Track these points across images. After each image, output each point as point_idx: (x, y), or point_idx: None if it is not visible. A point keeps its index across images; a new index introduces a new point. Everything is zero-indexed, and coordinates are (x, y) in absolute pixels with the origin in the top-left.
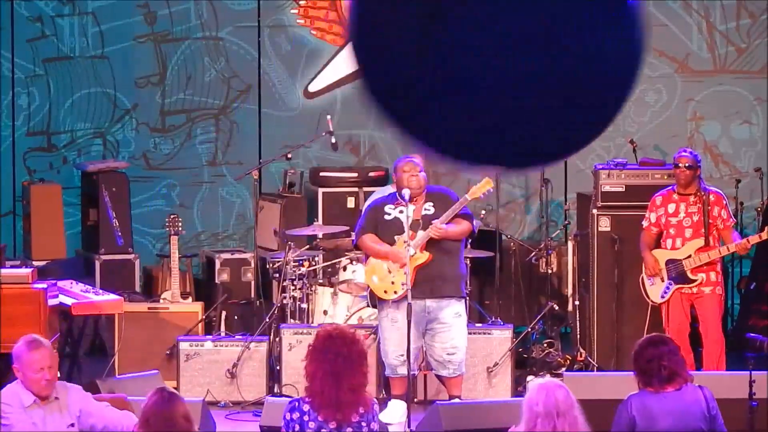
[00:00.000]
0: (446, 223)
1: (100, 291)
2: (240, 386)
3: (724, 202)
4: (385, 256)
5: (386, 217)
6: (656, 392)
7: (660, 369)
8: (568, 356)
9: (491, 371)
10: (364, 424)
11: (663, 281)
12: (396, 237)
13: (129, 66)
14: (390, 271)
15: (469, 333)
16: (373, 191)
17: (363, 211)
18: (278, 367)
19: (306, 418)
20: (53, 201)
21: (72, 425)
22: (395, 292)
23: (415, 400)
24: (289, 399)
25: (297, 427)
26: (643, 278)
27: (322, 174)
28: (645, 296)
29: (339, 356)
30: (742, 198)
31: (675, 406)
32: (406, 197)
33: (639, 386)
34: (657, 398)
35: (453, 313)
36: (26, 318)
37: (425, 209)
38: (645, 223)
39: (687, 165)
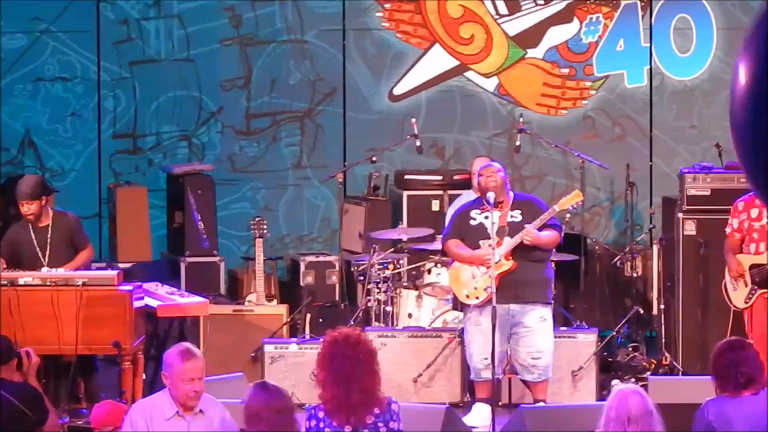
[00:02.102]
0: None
1: (186, 293)
2: None
3: None
4: (469, 260)
5: (472, 222)
6: (732, 397)
7: (737, 375)
8: (653, 360)
9: (576, 375)
10: (381, 424)
11: (746, 286)
12: (481, 242)
13: (214, 69)
14: (473, 276)
15: (554, 337)
16: (458, 194)
17: (449, 216)
18: None
19: (321, 425)
20: (139, 203)
21: None
22: (477, 297)
23: (500, 403)
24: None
25: None
26: (725, 283)
27: (406, 177)
28: (728, 301)
29: (346, 359)
30: None
31: (752, 411)
32: (492, 201)
33: (716, 391)
34: (733, 403)
35: (538, 317)
36: (112, 320)
37: (512, 216)
38: (728, 230)
39: None
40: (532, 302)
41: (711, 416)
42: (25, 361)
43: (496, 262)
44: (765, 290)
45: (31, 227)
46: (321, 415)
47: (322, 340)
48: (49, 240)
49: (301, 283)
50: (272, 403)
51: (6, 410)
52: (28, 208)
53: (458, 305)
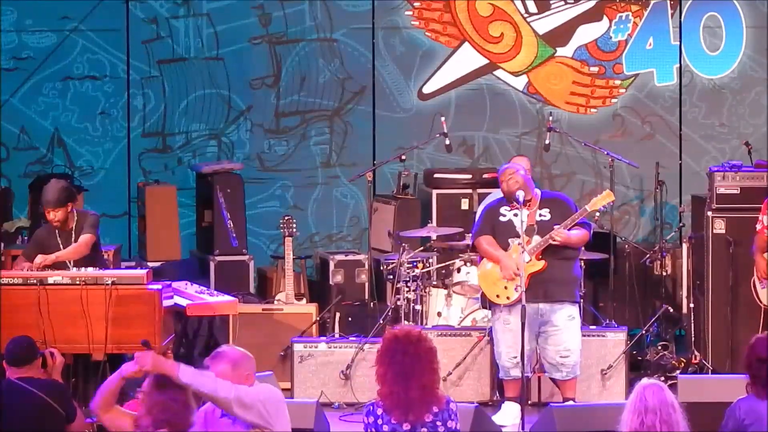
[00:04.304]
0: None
1: (215, 292)
2: (354, 387)
3: None
4: (497, 262)
5: (501, 218)
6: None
7: None
8: (682, 359)
9: (605, 374)
10: (439, 423)
11: None
12: (510, 240)
13: (244, 67)
14: (503, 276)
15: (583, 335)
16: (487, 193)
17: (479, 213)
18: None
19: (380, 421)
20: (168, 202)
21: None
22: (507, 298)
23: (529, 402)
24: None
25: (373, 431)
26: (754, 281)
27: (436, 175)
28: (757, 299)
29: (406, 356)
30: None
31: None
32: (521, 200)
33: (747, 389)
34: (765, 401)
35: (566, 315)
36: (141, 319)
37: (540, 215)
38: (758, 227)
39: None
40: (560, 301)
41: (742, 413)
42: (49, 361)
43: (527, 262)
44: None
45: (57, 231)
46: (379, 411)
47: (382, 337)
48: (74, 242)
49: (331, 282)
50: (161, 396)
51: (35, 406)
52: (54, 215)
53: (487, 303)
